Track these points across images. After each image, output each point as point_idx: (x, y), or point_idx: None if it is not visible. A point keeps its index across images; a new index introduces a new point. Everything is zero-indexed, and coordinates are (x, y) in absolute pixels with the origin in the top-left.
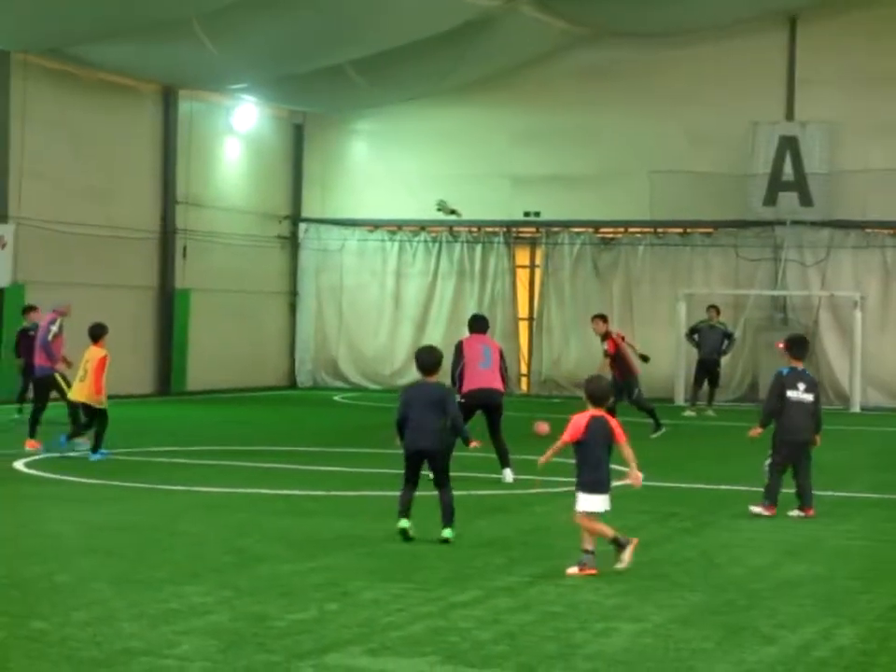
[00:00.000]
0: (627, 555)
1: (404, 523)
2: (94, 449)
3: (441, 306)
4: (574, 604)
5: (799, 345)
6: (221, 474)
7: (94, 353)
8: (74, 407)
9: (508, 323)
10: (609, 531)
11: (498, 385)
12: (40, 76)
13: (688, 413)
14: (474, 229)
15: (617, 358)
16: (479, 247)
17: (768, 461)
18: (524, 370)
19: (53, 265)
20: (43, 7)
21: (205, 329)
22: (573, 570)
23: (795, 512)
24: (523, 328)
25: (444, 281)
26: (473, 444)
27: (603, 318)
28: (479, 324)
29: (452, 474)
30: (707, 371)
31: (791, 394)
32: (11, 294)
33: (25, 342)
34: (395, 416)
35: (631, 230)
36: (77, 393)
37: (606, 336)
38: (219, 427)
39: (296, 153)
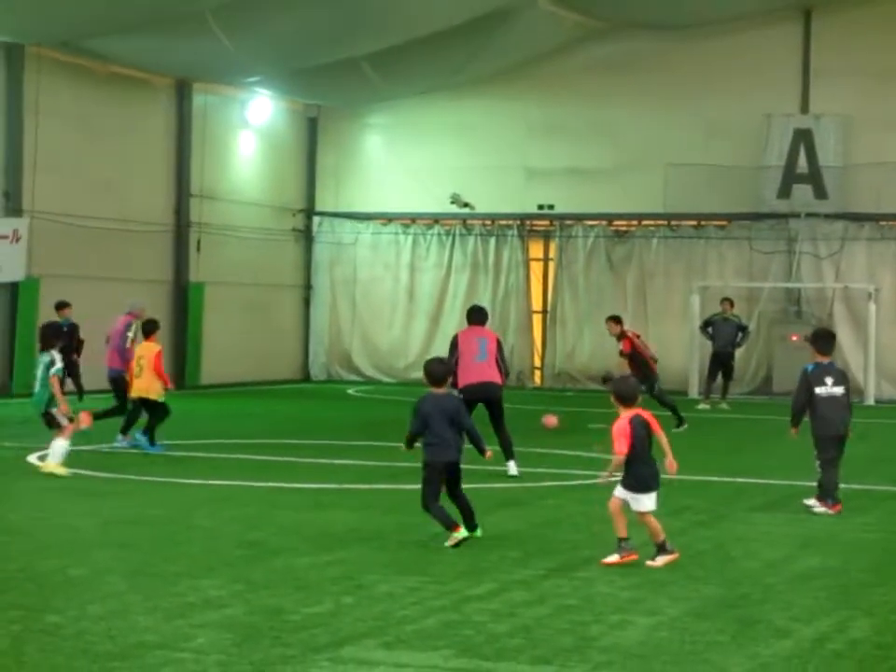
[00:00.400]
0: (662, 561)
1: (465, 532)
2: (151, 441)
3: (455, 299)
4: (589, 597)
5: (823, 340)
6: (235, 467)
7: (149, 348)
8: (137, 409)
9: (521, 316)
10: (661, 533)
11: (495, 377)
12: (54, 69)
13: (702, 405)
14: (488, 222)
15: (633, 357)
16: (492, 240)
17: (818, 461)
18: (537, 363)
19: (67, 259)
20: (56, 0)
21: (219, 322)
22: (613, 559)
23: (812, 501)
24: (536, 320)
25: (458, 274)
26: (488, 455)
27: (616, 319)
28: (476, 315)
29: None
30: (721, 363)
31: (819, 390)
32: (26, 288)
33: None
34: (410, 427)
35: (645, 222)
36: (136, 390)
37: (621, 336)
38: (233, 421)
39: (310, 146)
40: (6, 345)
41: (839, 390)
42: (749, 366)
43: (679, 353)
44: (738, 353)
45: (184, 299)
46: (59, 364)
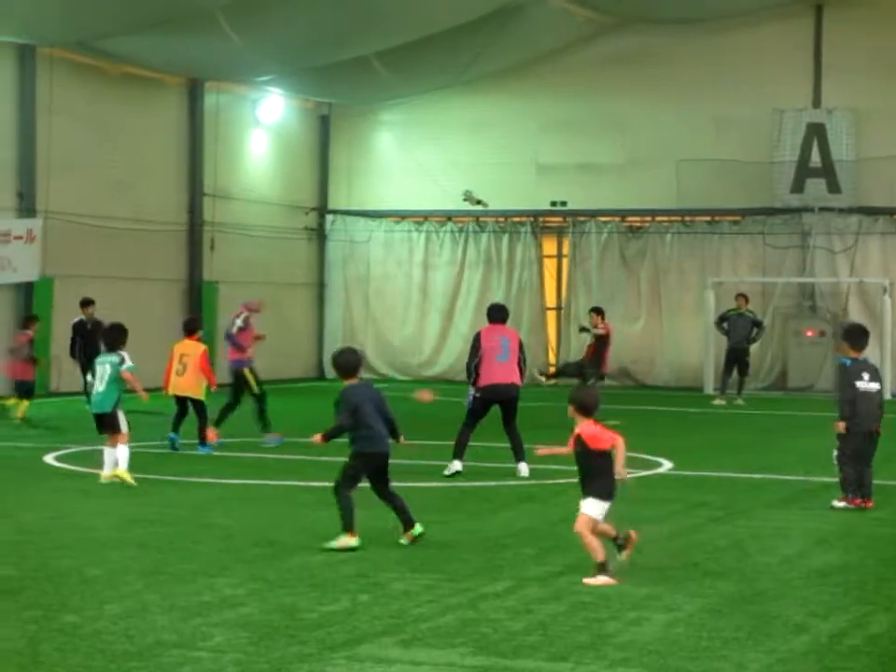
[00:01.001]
0: (602, 581)
1: (357, 542)
2: (202, 441)
3: (469, 296)
4: (605, 594)
5: (857, 335)
6: (250, 466)
7: (192, 347)
8: (262, 402)
9: (535, 313)
10: (603, 552)
11: (515, 378)
12: (66, 69)
13: (717, 401)
14: (501, 218)
15: (601, 345)
16: (506, 237)
17: (836, 453)
18: (552, 359)
19: (81, 259)
20: (67, 2)
21: None
22: (604, 580)
23: (842, 503)
24: (550, 317)
25: (471, 271)
26: (402, 440)
27: (599, 311)
28: (498, 313)
29: (473, 465)
30: (736, 359)
31: (857, 384)
32: (40, 288)
33: (82, 335)
34: (340, 421)
35: (658, 218)
36: (176, 387)
37: (597, 326)
38: (248, 419)
39: (322, 144)
40: None
41: (875, 386)
42: (764, 361)
43: (694, 349)
44: (753, 348)
45: (198, 298)
46: (129, 362)
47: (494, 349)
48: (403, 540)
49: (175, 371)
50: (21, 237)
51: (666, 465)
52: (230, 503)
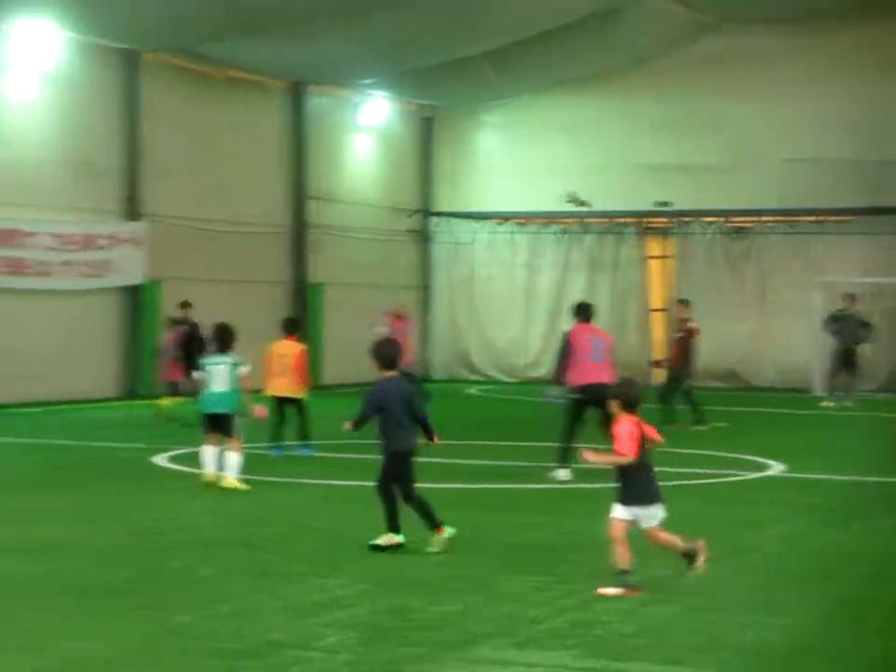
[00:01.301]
0: (703, 560)
1: (401, 537)
2: (304, 441)
3: (573, 297)
4: (717, 596)
5: None
6: (355, 467)
7: (290, 347)
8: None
9: (640, 314)
10: (678, 539)
11: (607, 378)
12: (170, 74)
13: (826, 403)
14: (604, 219)
15: (688, 346)
16: (610, 238)
17: None
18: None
19: (187, 261)
20: (171, 7)
21: (339, 322)
22: (612, 591)
23: None
24: (656, 319)
25: (575, 272)
26: (436, 440)
27: (685, 303)
28: (586, 312)
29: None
30: (844, 360)
31: None
32: (147, 291)
33: (181, 336)
34: (361, 410)
35: (763, 218)
36: (275, 388)
37: (685, 321)
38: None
39: (425, 147)
40: (130, 348)
41: None
42: (873, 363)
43: (801, 349)
44: (862, 349)
45: (303, 299)
46: (248, 365)
47: (586, 349)
48: (379, 541)
49: (274, 371)
50: (127, 240)
51: (776, 467)
52: (333, 504)
